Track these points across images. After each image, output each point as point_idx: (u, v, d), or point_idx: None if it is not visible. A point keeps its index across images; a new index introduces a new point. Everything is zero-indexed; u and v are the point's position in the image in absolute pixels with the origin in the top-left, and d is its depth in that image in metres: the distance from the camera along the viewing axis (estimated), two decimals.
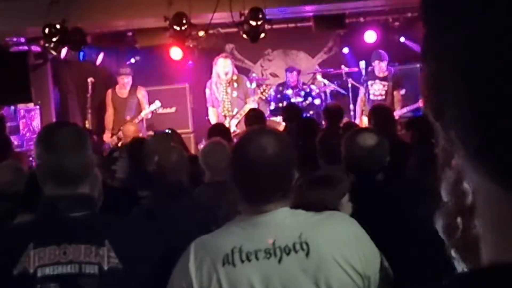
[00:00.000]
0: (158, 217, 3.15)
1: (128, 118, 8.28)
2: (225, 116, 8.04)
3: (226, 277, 1.88)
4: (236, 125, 7.84)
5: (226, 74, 7.97)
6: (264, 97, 8.43)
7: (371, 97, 8.30)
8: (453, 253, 0.55)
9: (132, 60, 9.28)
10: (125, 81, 8.54)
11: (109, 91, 8.66)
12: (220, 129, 5.90)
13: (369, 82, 8.38)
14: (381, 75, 8.34)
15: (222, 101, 8.04)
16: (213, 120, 8.05)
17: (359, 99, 8.55)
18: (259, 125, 4.46)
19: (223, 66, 8.02)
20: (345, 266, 1.90)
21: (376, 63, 8.32)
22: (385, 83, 8.33)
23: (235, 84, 8.09)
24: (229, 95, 8.04)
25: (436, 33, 0.51)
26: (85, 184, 2.13)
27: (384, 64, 8.32)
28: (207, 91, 8.22)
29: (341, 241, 1.94)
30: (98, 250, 2.01)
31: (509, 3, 0.44)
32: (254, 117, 6.27)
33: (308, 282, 1.87)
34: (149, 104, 8.47)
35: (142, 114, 8.29)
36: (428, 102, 0.53)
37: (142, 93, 8.63)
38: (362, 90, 8.51)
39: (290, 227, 1.94)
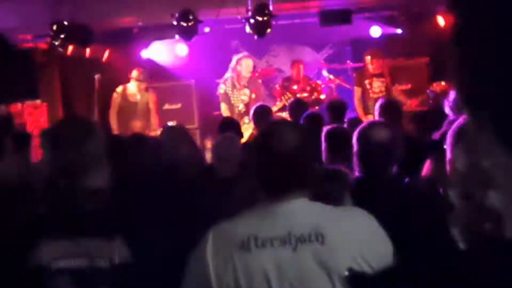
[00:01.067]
0: (170, 212, 3.18)
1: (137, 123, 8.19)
2: (240, 112, 8.13)
3: (241, 263, 1.92)
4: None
5: (249, 73, 8.13)
6: (286, 103, 8.41)
7: (372, 95, 8.27)
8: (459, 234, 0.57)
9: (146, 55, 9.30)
10: (142, 87, 8.34)
11: (119, 92, 8.36)
12: (231, 123, 5.92)
13: (367, 81, 8.35)
14: (376, 72, 8.33)
15: (233, 98, 8.13)
16: (226, 115, 8.10)
17: (355, 99, 8.48)
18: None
19: (246, 65, 8.15)
20: (359, 259, 1.92)
21: (373, 61, 8.30)
22: (383, 79, 8.33)
23: (253, 87, 8.24)
24: (248, 96, 8.16)
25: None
26: (96, 176, 2.15)
27: (380, 62, 8.30)
28: (222, 86, 8.25)
29: (356, 234, 1.97)
30: (109, 243, 2.04)
31: None
32: (261, 114, 6.29)
33: (321, 271, 1.90)
34: (157, 109, 8.46)
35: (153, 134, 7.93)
36: (461, 87, 0.55)
37: (153, 99, 8.45)
38: (357, 91, 8.47)
39: (307, 217, 1.97)
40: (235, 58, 8.37)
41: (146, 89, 8.45)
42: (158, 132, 7.46)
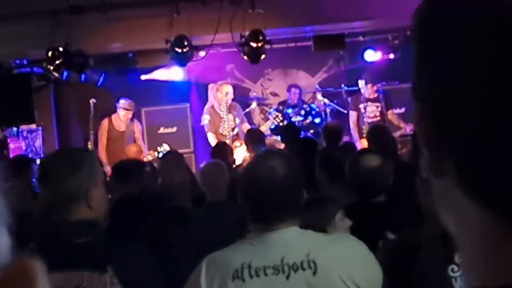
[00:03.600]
0: (162, 241, 3.18)
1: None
2: (222, 134, 8.14)
3: None
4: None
5: (227, 94, 8.16)
6: (277, 122, 8.42)
7: (366, 119, 8.29)
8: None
9: (143, 77, 9.33)
10: (128, 116, 8.41)
11: (105, 122, 8.48)
12: (223, 149, 5.94)
13: (361, 106, 8.38)
14: (371, 96, 8.36)
15: (223, 122, 8.15)
16: (214, 143, 8.12)
17: (351, 123, 8.51)
18: (269, 148, 4.54)
19: (226, 92, 8.19)
20: (351, 286, 1.95)
21: (368, 86, 8.32)
22: (378, 104, 8.34)
23: (235, 112, 8.24)
24: (231, 121, 8.16)
25: (429, 69, 0.54)
26: (82, 209, 2.14)
27: (375, 87, 8.33)
28: (207, 117, 8.28)
29: (348, 261, 2.00)
30: (101, 276, 2.04)
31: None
32: (254, 137, 6.31)
33: None
34: (149, 131, 8.53)
35: (149, 157, 8.00)
36: (422, 132, 0.55)
37: (138, 128, 8.58)
38: (353, 114, 8.49)
39: (299, 245, 2.00)
40: (213, 87, 8.41)
41: (132, 119, 8.52)
42: (150, 157, 7.55)
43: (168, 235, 3.28)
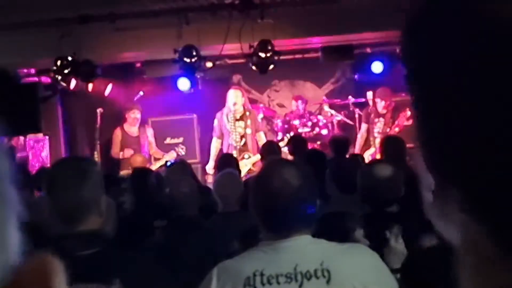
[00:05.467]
0: (171, 250, 3.15)
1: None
2: (230, 145, 8.07)
3: None
4: (254, 164, 7.80)
5: (234, 104, 8.03)
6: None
7: (376, 134, 8.27)
8: None
9: (141, 93, 9.32)
10: (137, 116, 8.51)
11: (118, 131, 8.53)
12: (229, 160, 5.92)
13: (375, 120, 8.36)
14: (384, 112, 8.34)
15: (231, 132, 8.07)
16: (213, 150, 8.10)
17: (359, 135, 8.48)
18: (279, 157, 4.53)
19: (231, 96, 8.11)
20: None
21: (378, 100, 8.30)
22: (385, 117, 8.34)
23: (249, 121, 8.11)
24: (243, 128, 8.06)
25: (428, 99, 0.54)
26: (93, 218, 2.12)
27: (387, 102, 8.31)
28: (216, 121, 8.24)
29: (362, 271, 1.97)
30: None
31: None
32: (269, 150, 6.30)
33: None
34: (156, 141, 8.63)
35: (156, 165, 8.12)
36: (429, 157, 0.55)
37: (150, 132, 8.69)
38: (364, 127, 8.46)
39: (312, 253, 1.97)
40: (228, 92, 8.33)
41: (142, 123, 8.62)
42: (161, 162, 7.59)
43: (178, 244, 3.24)
